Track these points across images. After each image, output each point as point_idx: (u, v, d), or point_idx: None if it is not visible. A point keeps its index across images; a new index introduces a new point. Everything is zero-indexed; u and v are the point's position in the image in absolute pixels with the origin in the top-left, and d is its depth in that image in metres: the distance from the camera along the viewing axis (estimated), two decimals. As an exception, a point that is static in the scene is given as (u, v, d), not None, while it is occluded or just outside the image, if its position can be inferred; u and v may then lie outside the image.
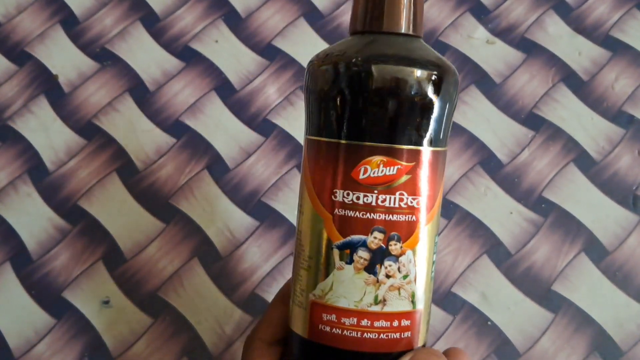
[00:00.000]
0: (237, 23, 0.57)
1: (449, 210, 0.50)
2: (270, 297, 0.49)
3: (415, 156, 0.32)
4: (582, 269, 0.49)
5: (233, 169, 0.52)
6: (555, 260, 0.49)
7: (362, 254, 0.32)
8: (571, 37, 0.55)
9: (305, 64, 0.55)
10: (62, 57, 0.56)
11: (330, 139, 0.33)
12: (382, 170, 0.32)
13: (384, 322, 0.32)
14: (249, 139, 0.53)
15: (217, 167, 0.52)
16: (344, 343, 0.32)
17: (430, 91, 0.32)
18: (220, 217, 0.51)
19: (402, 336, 0.32)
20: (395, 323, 0.32)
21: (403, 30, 0.33)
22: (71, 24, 0.57)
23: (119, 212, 0.51)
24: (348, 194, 0.32)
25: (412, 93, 0.32)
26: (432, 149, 0.33)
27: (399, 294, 0.32)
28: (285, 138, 0.53)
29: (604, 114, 0.53)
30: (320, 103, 0.33)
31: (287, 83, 0.54)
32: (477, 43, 0.55)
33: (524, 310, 0.48)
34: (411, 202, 0.32)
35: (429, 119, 0.32)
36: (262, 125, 0.53)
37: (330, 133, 0.33)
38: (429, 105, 0.32)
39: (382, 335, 0.32)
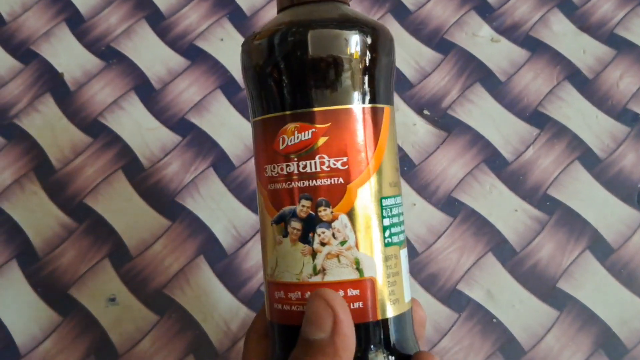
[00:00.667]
0: (242, 21, 0.57)
1: (454, 208, 0.51)
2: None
3: (330, 117, 0.31)
4: (587, 266, 0.49)
5: (238, 166, 0.52)
6: (560, 258, 0.49)
7: (295, 225, 0.31)
8: (576, 35, 0.55)
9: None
10: (67, 56, 0.56)
11: (256, 118, 0.33)
12: (297, 137, 0.31)
13: None
14: (254, 137, 0.53)
15: (222, 165, 0.52)
16: (293, 319, 0.31)
17: (318, 48, 0.31)
18: (226, 214, 0.51)
19: (352, 307, 0.30)
20: (340, 293, 0.30)
21: None
22: (77, 23, 0.57)
23: (124, 210, 0.51)
24: (274, 167, 0.32)
25: (304, 53, 0.31)
26: (346, 106, 0.31)
27: (339, 261, 0.31)
28: (291, 136, 0.53)
29: (609, 112, 0.53)
30: (247, 84, 0.34)
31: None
32: (482, 41, 0.55)
33: (529, 307, 0.48)
34: (334, 164, 0.31)
35: (335, 76, 0.31)
36: (267, 123, 0.53)
37: (256, 111, 0.33)
38: (326, 62, 0.31)
39: None
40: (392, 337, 0.32)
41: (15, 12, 0.58)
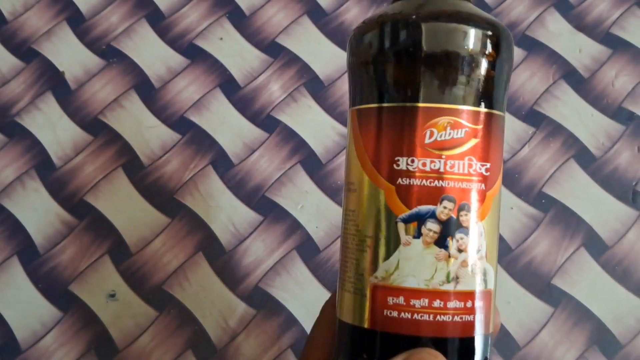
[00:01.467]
0: (241, 21, 0.57)
1: (451, 205, 0.51)
2: (273, 291, 0.49)
3: (481, 119, 0.30)
4: (581, 263, 0.49)
5: (237, 164, 0.53)
6: (555, 255, 0.50)
7: (432, 226, 0.29)
8: (572, 35, 0.56)
9: (309, 61, 0.55)
10: (68, 54, 0.57)
11: (389, 104, 0.30)
12: (450, 134, 0.29)
13: (458, 303, 0.29)
14: (253, 135, 0.54)
15: (221, 162, 0.53)
16: (414, 329, 0.29)
17: (492, 49, 0.30)
18: (225, 212, 0.52)
19: (476, 319, 0.29)
20: (469, 304, 0.29)
21: None
22: (77, 22, 0.58)
23: (124, 207, 0.52)
24: (412, 161, 0.29)
25: (477, 50, 0.30)
26: (496, 112, 0.31)
27: (471, 271, 0.29)
28: (289, 134, 0.53)
29: (604, 110, 0.53)
30: (375, 68, 0.31)
31: (290, 80, 0.55)
32: (479, 40, 0.56)
33: (524, 304, 0.48)
34: (480, 169, 0.30)
35: (492, 79, 0.31)
36: (266, 121, 0.54)
37: (389, 97, 0.30)
38: (492, 63, 0.30)
39: (456, 317, 0.29)
40: (484, 352, 0.31)
41: (17, 11, 0.59)
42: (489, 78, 0.30)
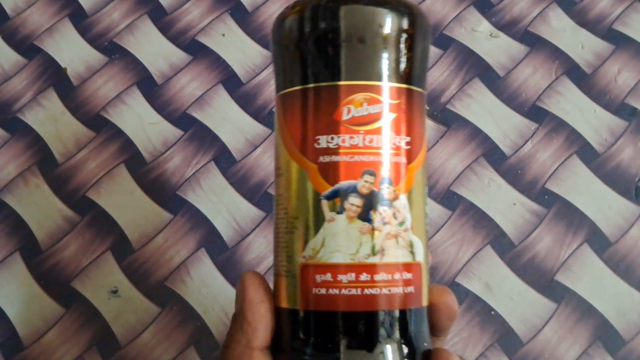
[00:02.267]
0: (243, 17, 0.57)
1: (453, 201, 0.51)
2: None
3: (398, 94, 0.30)
4: (584, 259, 0.49)
5: (239, 160, 0.53)
6: (558, 250, 0.49)
7: (354, 201, 0.29)
8: (574, 31, 0.56)
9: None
10: (70, 51, 0.57)
11: (308, 85, 0.31)
12: (367, 109, 0.30)
13: (385, 275, 0.29)
14: (255, 131, 0.54)
15: (223, 159, 0.53)
16: (343, 304, 0.29)
17: (405, 27, 0.31)
18: (227, 208, 0.51)
19: (406, 291, 0.29)
20: (397, 275, 0.29)
21: None
22: (80, 18, 0.58)
23: (127, 203, 0.52)
24: (332, 138, 0.30)
25: (390, 29, 0.31)
26: (414, 88, 0.31)
27: (397, 242, 0.30)
28: (291, 130, 0.53)
29: (607, 106, 0.53)
30: (296, 51, 0.32)
31: (292, 76, 0.55)
32: (481, 36, 0.56)
33: (527, 300, 0.48)
34: (399, 142, 0.30)
35: (408, 56, 0.31)
36: (268, 117, 0.54)
37: (309, 79, 0.31)
38: (406, 42, 0.31)
39: (384, 290, 0.29)
40: (419, 327, 0.31)
41: (19, 7, 0.59)
42: (405, 56, 0.31)
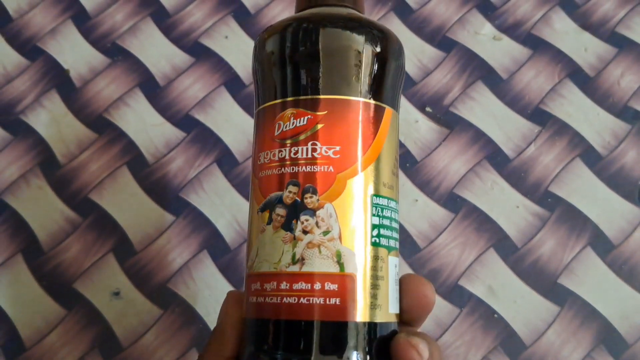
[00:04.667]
0: (246, 19, 0.57)
1: (456, 204, 0.51)
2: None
3: (328, 105, 0.31)
4: (588, 262, 0.49)
5: (242, 162, 0.53)
6: (562, 253, 0.49)
7: (279, 211, 0.30)
8: (577, 34, 0.56)
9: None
10: (73, 52, 0.57)
11: (258, 107, 0.34)
12: (293, 123, 0.31)
13: (304, 284, 0.29)
14: (258, 133, 0.53)
15: (226, 160, 0.53)
16: (266, 312, 0.30)
17: (313, 42, 0.32)
18: (229, 210, 0.51)
19: (328, 302, 0.29)
20: (317, 286, 0.29)
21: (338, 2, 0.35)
22: (82, 20, 0.58)
23: (129, 205, 0.52)
24: (266, 154, 0.32)
25: (311, 45, 0.32)
26: (342, 97, 0.31)
27: (319, 252, 0.29)
28: (294, 132, 0.53)
29: (610, 109, 0.53)
30: (255, 77, 0.35)
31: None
32: (484, 39, 0.56)
33: (530, 303, 0.48)
34: (326, 152, 0.30)
35: (336, 68, 0.32)
36: (270, 119, 0.54)
37: (260, 101, 0.34)
38: (316, 55, 0.32)
39: (302, 299, 0.29)
40: (369, 344, 0.30)
41: (22, 9, 0.59)
42: (321, 69, 0.32)
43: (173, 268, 0.50)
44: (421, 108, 0.54)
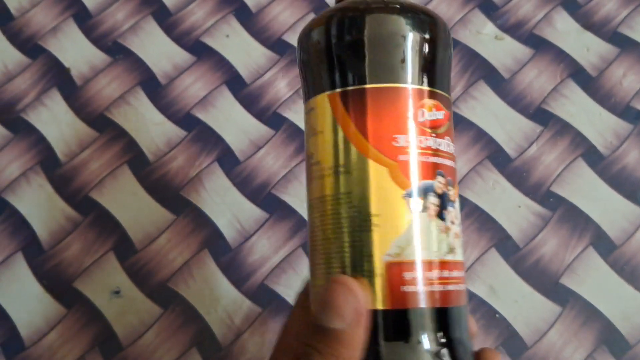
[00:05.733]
0: (247, 18, 0.57)
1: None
2: (279, 288, 0.49)
3: (449, 104, 0.33)
4: (589, 262, 0.49)
5: (243, 161, 0.53)
6: (563, 253, 0.49)
7: (433, 200, 0.30)
8: (579, 34, 0.55)
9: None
10: (74, 51, 0.57)
11: (389, 84, 0.31)
12: (434, 114, 0.31)
13: (457, 272, 0.30)
14: (259, 132, 0.53)
15: (227, 159, 0.53)
16: (430, 301, 0.29)
17: (430, 41, 0.32)
18: (230, 209, 0.51)
19: (464, 288, 0.31)
20: (462, 273, 0.31)
21: None
22: (84, 18, 0.58)
23: (129, 204, 0.52)
24: (410, 138, 0.30)
25: (445, 39, 0.33)
26: (450, 98, 0.33)
27: (459, 241, 0.31)
28: (295, 131, 0.53)
29: (612, 109, 0.53)
30: (377, 46, 0.31)
31: (297, 77, 0.55)
32: (486, 39, 0.56)
33: (531, 303, 0.48)
34: (452, 149, 0.32)
35: (450, 66, 0.33)
36: (272, 118, 0.54)
37: (389, 78, 0.31)
38: (446, 52, 0.33)
39: (457, 286, 0.30)
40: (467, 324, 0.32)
41: (24, 7, 0.59)
42: (448, 65, 0.34)
43: (173, 267, 0.50)
44: (423, 107, 0.54)
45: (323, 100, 0.32)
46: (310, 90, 0.34)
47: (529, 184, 0.51)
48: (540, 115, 0.53)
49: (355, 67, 0.31)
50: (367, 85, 0.31)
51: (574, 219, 0.50)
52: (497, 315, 0.48)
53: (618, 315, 0.47)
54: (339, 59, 0.32)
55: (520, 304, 0.48)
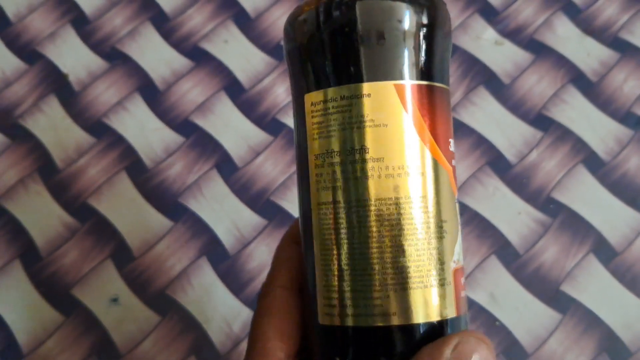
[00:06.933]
0: (246, 23, 0.57)
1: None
2: (278, 295, 0.49)
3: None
4: (590, 269, 0.49)
5: (242, 167, 0.52)
6: (564, 261, 0.49)
7: None
8: (580, 39, 0.55)
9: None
10: (72, 57, 0.57)
11: (442, 85, 0.30)
12: None
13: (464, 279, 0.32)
14: (258, 138, 0.53)
15: (225, 166, 0.52)
16: (466, 305, 0.30)
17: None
18: (229, 215, 0.51)
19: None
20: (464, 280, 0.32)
21: None
22: (82, 24, 0.58)
23: (127, 210, 0.51)
24: (453, 144, 0.30)
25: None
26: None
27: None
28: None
29: (613, 115, 0.53)
30: (437, 43, 0.30)
31: (296, 83, 0.54)
32: (486, 44, 0.55)
33: (532, 310, 0.48)
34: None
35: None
36: (271, 124, 0.53)
37: (444, 78, 0.30)
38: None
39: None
40: None
41: (21, 13, 0.58)
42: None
43: (172, 274, 0.50)
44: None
45: (386, 89, 0.28)
46: (354, 73, 0.29)
47: (529, 191, 0.51)
48: (541, 121, 0.53)
49: (431, 62, 0.29)
50: (436, 84, 0.29)
51: (575, 226, 0.50)
52: (498, 323, 0.48)
53: (619, 322, 0.47)
54: (428, 48, 0.29)
55: (521, 312, 0.48)
